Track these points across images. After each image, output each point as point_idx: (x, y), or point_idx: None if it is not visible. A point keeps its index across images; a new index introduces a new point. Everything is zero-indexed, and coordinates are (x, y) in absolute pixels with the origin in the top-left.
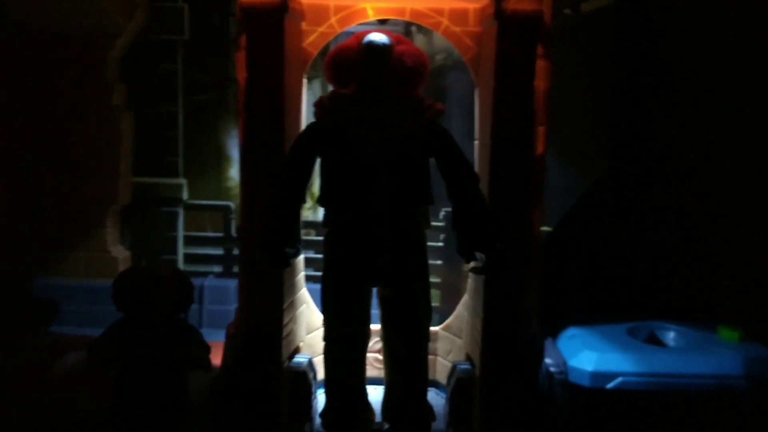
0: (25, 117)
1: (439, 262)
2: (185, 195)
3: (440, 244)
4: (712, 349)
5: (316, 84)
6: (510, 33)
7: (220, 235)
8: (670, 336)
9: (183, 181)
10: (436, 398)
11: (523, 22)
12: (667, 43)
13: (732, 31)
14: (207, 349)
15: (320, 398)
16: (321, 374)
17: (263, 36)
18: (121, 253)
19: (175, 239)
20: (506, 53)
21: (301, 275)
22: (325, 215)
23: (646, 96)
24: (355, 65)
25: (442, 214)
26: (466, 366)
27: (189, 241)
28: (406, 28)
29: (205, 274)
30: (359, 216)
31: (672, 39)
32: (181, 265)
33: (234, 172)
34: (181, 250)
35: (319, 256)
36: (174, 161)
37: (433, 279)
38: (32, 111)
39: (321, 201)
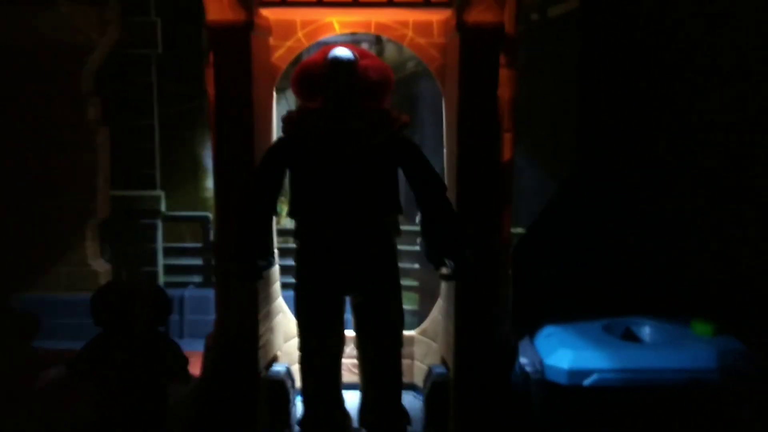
0: (1, 132)
1: (416, 265)
2: (163, 207)
3: (417, 248)
4: (687, 343)
5: (291, 94)
6: (472, 44)
7: (199, 245)
8: (646, 331)
9: (161, 193)
10: (414, 401)
11: (484, 33)
12: (634, 46)
13: (700, 32)
14: (185, 361)
15: (299, 406)
16: (299, 382)
17: (231, 53)
18: (101, 267)
19: (154, 251)
20: (469, 64)
21: (277, 284)
22: (296, 227)
23: (613, 96)
24: (321, 80)
25: (418, 218)
26: (441, 369)
27: (168, 252)
28: (377, 37)
29: (185, 285)
30: (329, 227)
31: (639, 41)
32: (161, 276)
33: (211, 183)
34: (161, 261)
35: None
36: (151, 173)
37: (411, 283)
38: (7, 126)
39: (291, 213)
